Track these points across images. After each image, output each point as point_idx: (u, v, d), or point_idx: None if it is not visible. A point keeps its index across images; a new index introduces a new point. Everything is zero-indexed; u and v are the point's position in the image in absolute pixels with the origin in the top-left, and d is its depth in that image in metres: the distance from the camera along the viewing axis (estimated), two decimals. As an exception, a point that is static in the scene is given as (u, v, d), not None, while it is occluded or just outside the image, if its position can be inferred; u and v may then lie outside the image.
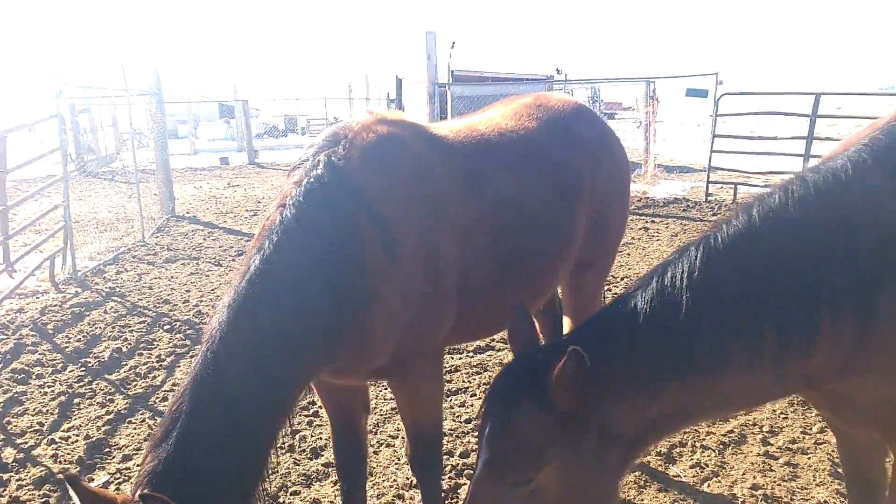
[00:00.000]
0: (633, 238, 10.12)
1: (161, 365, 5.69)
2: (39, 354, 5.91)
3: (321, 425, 4.52)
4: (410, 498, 3.74)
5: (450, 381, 5.24)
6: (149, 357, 5.87)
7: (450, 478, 3.91)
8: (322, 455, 4.18)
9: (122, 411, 4.86)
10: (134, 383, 5.36)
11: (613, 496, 2.03)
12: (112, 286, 8.09)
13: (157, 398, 5.09)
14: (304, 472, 4.02)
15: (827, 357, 1.94)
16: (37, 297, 7.63)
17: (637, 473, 3.91)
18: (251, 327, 2.18)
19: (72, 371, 5.59)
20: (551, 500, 1.89)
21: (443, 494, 3.74)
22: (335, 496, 3.73)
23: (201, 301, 7.43)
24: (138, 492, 1.88)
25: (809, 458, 4.03)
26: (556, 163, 3.29)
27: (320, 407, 4.42)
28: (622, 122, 39.47)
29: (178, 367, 5.64)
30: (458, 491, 3.81)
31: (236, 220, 12.56)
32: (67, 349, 6.06)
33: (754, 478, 3.83)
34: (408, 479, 3.87)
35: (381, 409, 4.74)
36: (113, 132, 23.82)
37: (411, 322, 2.65)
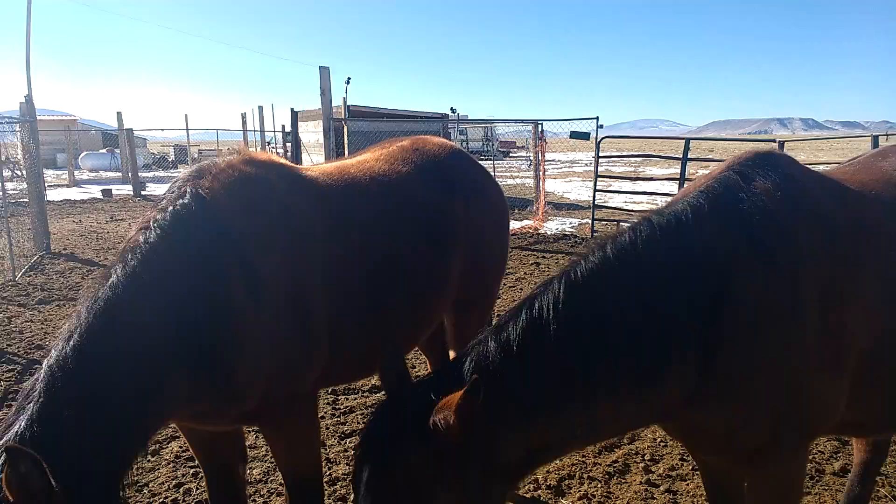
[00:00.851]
0: (525, 273, 10.46)
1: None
2: None
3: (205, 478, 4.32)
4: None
5: (344, 423, 5.17)
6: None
7: (343, 524, 3.83)
8: (208, 508, 3.99)
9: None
10: None
11: None
12: (-27, 331, 7.41)
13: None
14: (188, 527, 3.82)
15: (676, 388, 2.10)
16: None
17: (513, 490, 4.00)
18: (94, 355, 2.08)
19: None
20: None
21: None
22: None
23: (77, 345, 6.93)
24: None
25: (688, 485, 4.27)
26: (429, 206, 3.38)
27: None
28: (516, 160, 40.88)
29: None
30: (352, 537, 3.74)
31: (118, 257, 11.87)
32: (-83, 403, 5.47)
33: (637, 506, 4.02)
34: (300, 528, 3.75)
35: (271, 457, 4.59)
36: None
37: (279, 365, 2.61)
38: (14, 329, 7.55)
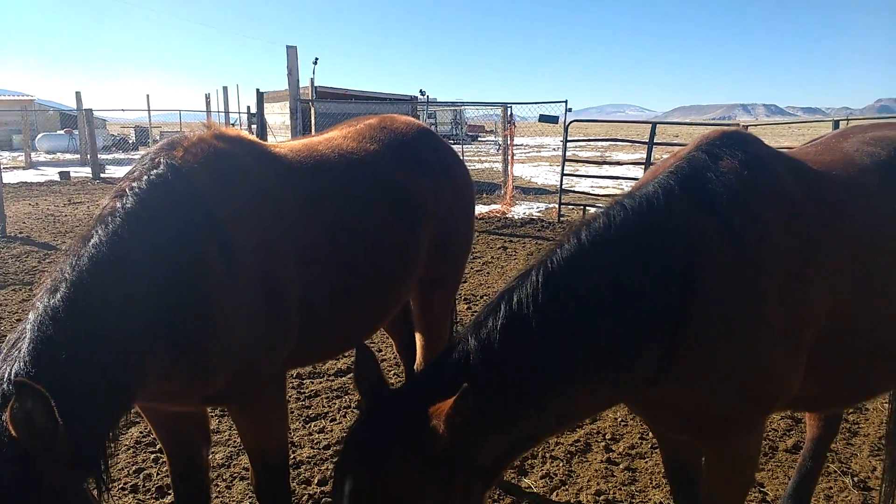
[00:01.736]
0: (492, 257, 10.50)
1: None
2: None
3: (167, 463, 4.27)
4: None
5: (309, 407, 5.15)
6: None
7: (307, 507, 3.84)
8: (169, 494, 3.94)
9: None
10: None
11: None
12: (-76, 317, 7.18)
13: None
14: (149, 512, 3.78)
15: (648, 367, 2.14)
16: None
17: (492, 488, 4.04)
18: (86, 307, 2.04)
19: None
20: None
21: (299, 525, 3.68)
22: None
23: (33, 331, 6.76)
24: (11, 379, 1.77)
25: (647, 462, 4.37)
26: (398, 185, 3.37)
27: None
28: (485, 145, 40.89)
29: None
30: (316, 520, 3.74)
31: (77, 241, 11.59)
32: None
33: (598, 484, 4.10)
34: (262, 511, 3.74)
35: (235, 441, 4.56)
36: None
37: (252, 344, 2.59)
38: (-33, 314, 7.33)
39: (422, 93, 26.13)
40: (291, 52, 16.16)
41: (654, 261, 2.13)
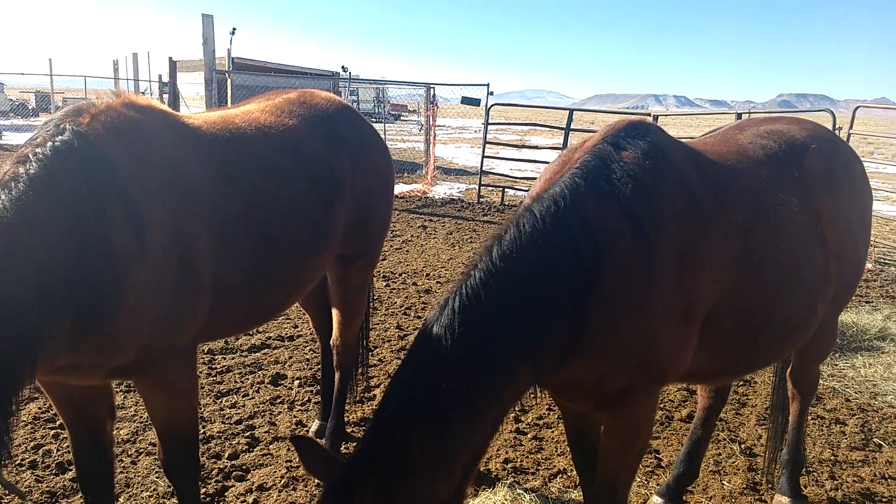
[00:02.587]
0: (412, 236, 10.56)
1: None
2: None
3: (68, 438, 4.13)
4: (172, 506, 3.58)
5: (221, 383, 5.07)
6: None
7: (216, 481, 3.80)
8: (70, 470, 3.81)
9: None
10: None
11: None
12: None
13: None
14: (48, 489, 3.64)
15: (560, 351, 2.29)
16: None
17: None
18: None
19: None
20: None
21: (209, 499, 3.64)
22: (85, 513, 3.44)
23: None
24: None
25: (553, 432, 4.57)
26: (316, 160, 3.35)
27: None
28: (407, 124, 40.74)
29: None
30: (225, 494, 3.72)
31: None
32: None
33: (507, 453, 4.26)
34: (169, 487, 3.69)
35: (141, 417, 4.45)
36: None
37: (162, 316, 2.55)
38: None
39: (344, 69, 25.65)
40: (207, 20, 15.54)
41: (564, 260, 2.23)
